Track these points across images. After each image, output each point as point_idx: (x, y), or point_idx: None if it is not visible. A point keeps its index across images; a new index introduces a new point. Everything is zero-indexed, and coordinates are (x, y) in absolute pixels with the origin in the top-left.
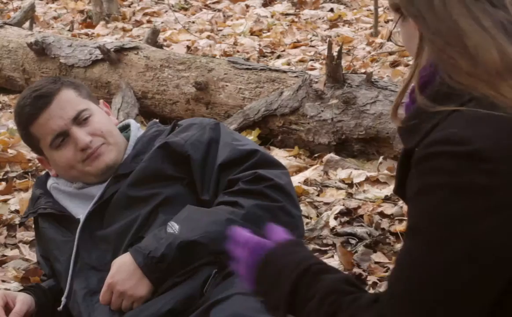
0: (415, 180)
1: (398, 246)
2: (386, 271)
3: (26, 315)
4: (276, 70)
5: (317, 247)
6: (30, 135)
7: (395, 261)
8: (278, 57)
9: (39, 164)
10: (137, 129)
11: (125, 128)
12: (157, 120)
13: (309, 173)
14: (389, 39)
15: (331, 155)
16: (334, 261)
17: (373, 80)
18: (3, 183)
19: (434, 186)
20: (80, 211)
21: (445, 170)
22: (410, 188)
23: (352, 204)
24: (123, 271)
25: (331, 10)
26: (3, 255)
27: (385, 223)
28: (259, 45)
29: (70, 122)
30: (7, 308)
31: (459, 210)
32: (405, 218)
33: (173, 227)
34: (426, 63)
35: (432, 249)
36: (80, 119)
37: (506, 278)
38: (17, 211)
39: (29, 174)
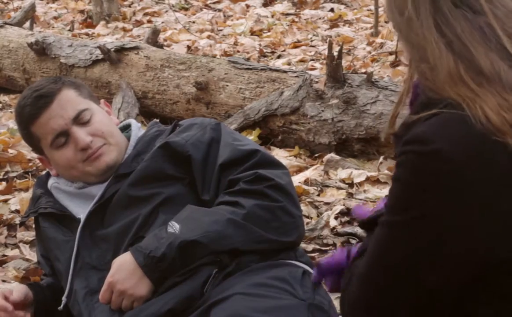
0: (394, 169)
1: None
2: None
3: (25, 302)
4: (277, 70)
5: (318, 246)
6: (30, 135)
7: None
8: (279, 57)
9: (40, 164)
10: (137, 129)
11: (125, 128)
12: (158, 120)
13: (310, 173)
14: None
15: (332, 155)
16: None
17: (373, 80)
18: (4, 183)
19: (402, 179)
20: (80, 210)
21: (411, 166)
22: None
23: (353, 203)
24: (124, 270)
25: (332, 10)
26: (4, 255)
27: None
28: (260, 45)
29: (71, 122)
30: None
31: (417, 205)
32: None
33: (174, 226)
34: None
35: (390, 230)
36: (80, 119)
37: (462, 277)
38: (17, 211)
39: (30, 173)
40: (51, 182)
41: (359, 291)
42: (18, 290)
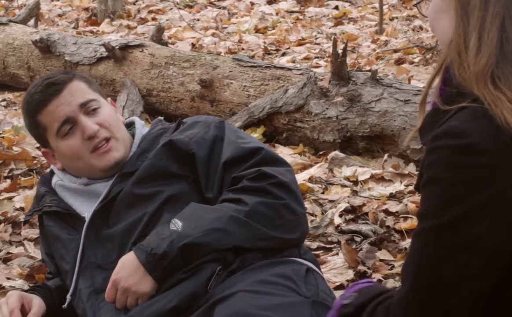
0: (424, 172)
1: (403, 243)
2: (391, 269)
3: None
4: (281, 68)
5: (322, 244)
6: (37, 124)
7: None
8: (283, 54)
9: (44, 161)
10: (141, 127)
11: (129, 126)
12: (162, 118)
13: (314, 171)
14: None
15: (336, 153)
16: (338, 258)
17: (378, 77)
18: (8, 181)
19: (438, 178)
20: (85, 208)
21: (444, 163)
22: (422, 181)
23: (357, 201)
24: (127, 268)
25: (336, 7)
26: (8, 253)
27: (390, 221)
28: (264, 42)
29: (78, 109)
30: (23, 310)
31: (459, 202)
32: (410, 216)
33: (176, 224)
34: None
35: (433, 236)
36: (88, 108)
37: (504, 267)
38: (22, 209)
39: (34, 171)
40: (55, 180)
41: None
42: (38, 305)
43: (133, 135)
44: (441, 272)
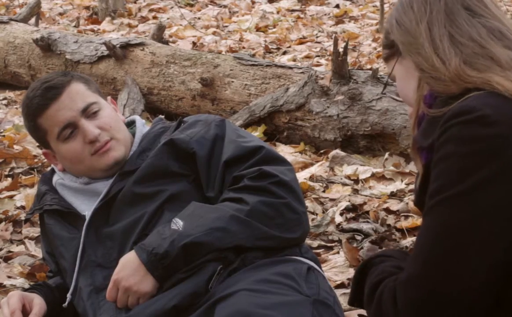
0: (435, 155)
1: (404, 242)
2: None
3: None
4: (282, 66)
5: (323, 243)
6: (37, 127)
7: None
8: (284, 53)
9: (45, 160)
10: (142, 126)
11: (130, 125)
12: (163, 116)
13: (315, 169)
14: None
15: (337, 152)
16: (339, 257)
17: (379, 76)
18: (9, 179)
19: (450, 153)
20: (85, 207)
21: (458, 137)
22: (432, 165)
23: (358, 200)
24: (128, 268)
25: (337, 6)
26: (9, 251)
27: (390, 219)
28: (265, 41)
29: (79, 114)
30: (24, 311)
31: (474, 172)
32: (411, 214)
33: (177, 223)
34: (427, 92)
35: (452, 207)
36: (89, 112)
37: None
38: (23, 207)
39: (35, 169)
40: (55, 179)
41: (410, 293)
42: (39, 305)
43: (133, 134)
44: (457, 243)
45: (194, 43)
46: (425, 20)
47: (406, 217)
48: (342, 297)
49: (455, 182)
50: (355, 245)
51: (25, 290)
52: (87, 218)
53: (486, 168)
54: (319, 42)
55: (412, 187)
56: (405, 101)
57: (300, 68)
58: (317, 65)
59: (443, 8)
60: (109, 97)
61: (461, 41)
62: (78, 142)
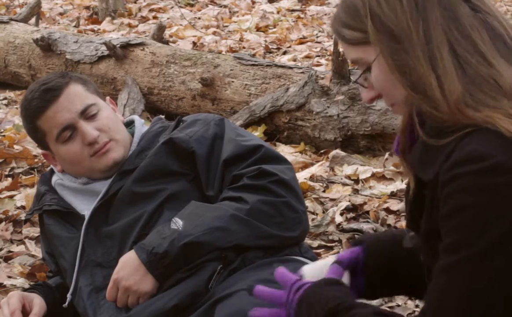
0: (444, 203)
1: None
2: None
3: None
4: (282, 66)
5: (323, 243)
6: (36, 129)
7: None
8: (284, 53)
9: (45, 160)
10: (141, 126)
11: (129, 125)
12: (162, 116)
13: (315, 169)
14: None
15: (337, 152)
16: None
17: None
18: (9, 179)
19: (467, 205)
20: (85, 207)
21: (474, 188)
22: (441, 213)
23: (358, 200)
24: (128, 267)
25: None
26: (9, 251)
27: (391, 219)
28: (265, 41)
29: (78, 116)
30: (24, 311)
31: (495, 225)
32: None
33: (177, 223)
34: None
35: (476, 266)
36: (88, 114)
37: None
38: (23, 207)
39: (35, 169)
40: (55, 179)
41: None
42: (39, 305)
43: (132, 134)
44: (492, 300)
45: (194, 43)
46: (417, 17)
47: None
48: None
49: (477, 237)
50: None
51: (25, 290)
52: (87, 217)
53: (507, 219)
54: (319, 42)
55: None
56: (382, 92)
57: (300, 68)
58: (317, 65)
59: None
60: (107, 98)
61: (463, 55)
62: (77, 144)
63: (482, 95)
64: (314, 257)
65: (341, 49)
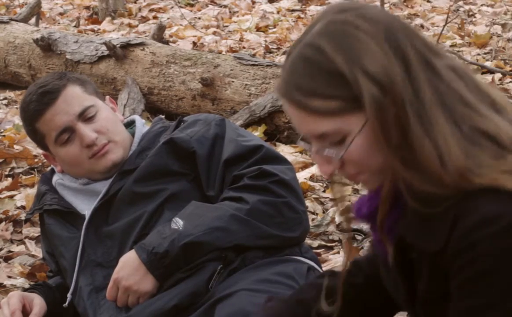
0: (462, 270)
1: None
2: None
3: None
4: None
5: (323, 243)
6: (35, 131)
7: None
8: (284, 53)
9: (45, 160)
10: (142, 126)
11: (129, 125)
12: (163, 116)
13: (315, 169)
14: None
15: None
16: (340, 257)
17: None
18: (9, 179)
19: (491, 270)
20: (85, 207)
21: (496, 251)
22: (459, 280)
23: None
24: (128, 267)
25: None
26: (9, 251)
27: None
28: (265, 41)
29: (76, 118)
30: (24, 311)
31: None
32: None
33: (177, 223)
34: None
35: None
36: (86, 116)
37: None
38: (23, 207)
39: (35, 169)
40: (55, 178)
41: None
42: (39, 305)
43: (133, 134)
44: None
45: (194, 43)
46: (406, 76)
47: None
48: None
49: (505, 297)
50: (355, 245)
51: (25, 290)
52: (87, 217)
53: None
54: None
55: None
56: (359, 164)
57: None
58: None
59: (413, 51)
60: (107, 97)
61: (456, 110)
62: (75, 146)
63: (483, 156)
64: (314, 257)
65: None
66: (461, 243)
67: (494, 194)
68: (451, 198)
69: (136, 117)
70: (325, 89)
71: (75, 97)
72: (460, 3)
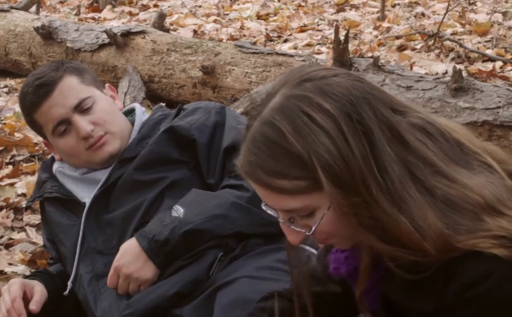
0: None
1: None
2: None
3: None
4: (283, 54)
5: None
6: (33, 121)
7: None
8: (285, 41)
9: (46, 148)
10: (142, 114)
11: (130, 113)
12: (163, 104)
13: None
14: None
15: None
16: None
17: (380, 64)
18: (10, 167)
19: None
20: (85, 195)
21: (495, 303)
22: None
23: None
24: (129, 255)
25: None
26: (10, 238)
27: None
28: (266, 29)
29: (72, 111)
30: (25, 298)
31: None
32: None
33: (178, 210)
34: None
35: None
36: (82, 107)
37: None
38: (24, 194)
39: (36, 157)
40: (55, 166)
41: None
42: (40, 292)
43: (133, 122)
44: None
45: (195, 31)
46: (368, 156)
47: None
48: None
49: None
50: None
51: (26, 277)
52: (87, 204)
53: None
54: (320, 30)
55: None
56: (330, 235)
57: (301, 56)
58: (318, 53)
59: (377, 123)
60: (107, 85)
61: (427, 179)
62: (72, 138)
63: (460, 221)
64: (314, 243)
65: (341, 37)
66: (457, 300)
67: (478, 255)
68: (437, 262)
69: (136, 105)
70: (290, 171)
71: (71, 89)
72: None
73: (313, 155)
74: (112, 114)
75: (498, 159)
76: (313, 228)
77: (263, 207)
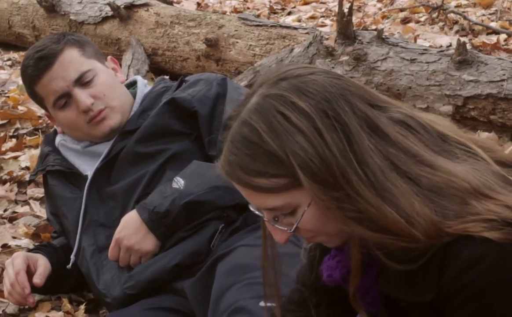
0: (462, 307)
1: None
2: None
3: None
4: (287, 27)
5: None
6: (35, 94)
7: None
8: (289, 13)
9: (49, 121)
10: (143, 86)
11: (132, 85)
12: (166, 76)
13: None
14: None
15: None
16: None
17: (384, 36)
18: (14, 140)
19: (493, 301)
20: (87, 167)
21: (491, 284)
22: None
23: None
24: (130, 227)
25: None
26: (14, 212)
27: None
28: (270, 1)
29: (72, 84)
30: (28, 271)
31: None
32: None
33: (179, 182)
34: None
35: None
36: (82, 81)
37: None
38: (27, 168)
39: (40, 130)
40: (58, 139)
41: None
42: (43, 265)
43: (135, 95)
44: None
45: (198, 4)
46: (347, 151)
47: None
48: None
49: None
50: None
51: (29, 250)
52: (89, 177)
53: None
54: (324, 3)
55: None
56: (316, 231)
57: (305, 28)
58: (322, 26)
59: (354, 118)
60: (109, 57)
61: (411, 169)
62: (73, 111)
63: (448, 206)
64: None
65: (345, 10)
66: (453, 286)
67: (470, 239)
68: (429, 250)
69: (138, 78)
70: (268, 169)
71: (72, 62)
72: None
73: (290, 154)
74: (112, 87)
75: (484, 147)
76: (294, 225)
77: (250, 208)
